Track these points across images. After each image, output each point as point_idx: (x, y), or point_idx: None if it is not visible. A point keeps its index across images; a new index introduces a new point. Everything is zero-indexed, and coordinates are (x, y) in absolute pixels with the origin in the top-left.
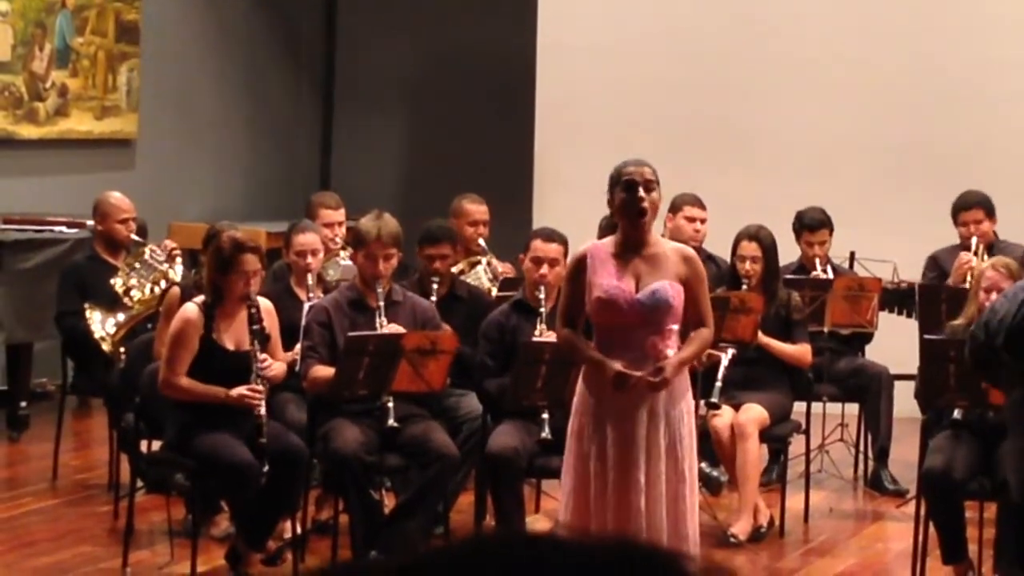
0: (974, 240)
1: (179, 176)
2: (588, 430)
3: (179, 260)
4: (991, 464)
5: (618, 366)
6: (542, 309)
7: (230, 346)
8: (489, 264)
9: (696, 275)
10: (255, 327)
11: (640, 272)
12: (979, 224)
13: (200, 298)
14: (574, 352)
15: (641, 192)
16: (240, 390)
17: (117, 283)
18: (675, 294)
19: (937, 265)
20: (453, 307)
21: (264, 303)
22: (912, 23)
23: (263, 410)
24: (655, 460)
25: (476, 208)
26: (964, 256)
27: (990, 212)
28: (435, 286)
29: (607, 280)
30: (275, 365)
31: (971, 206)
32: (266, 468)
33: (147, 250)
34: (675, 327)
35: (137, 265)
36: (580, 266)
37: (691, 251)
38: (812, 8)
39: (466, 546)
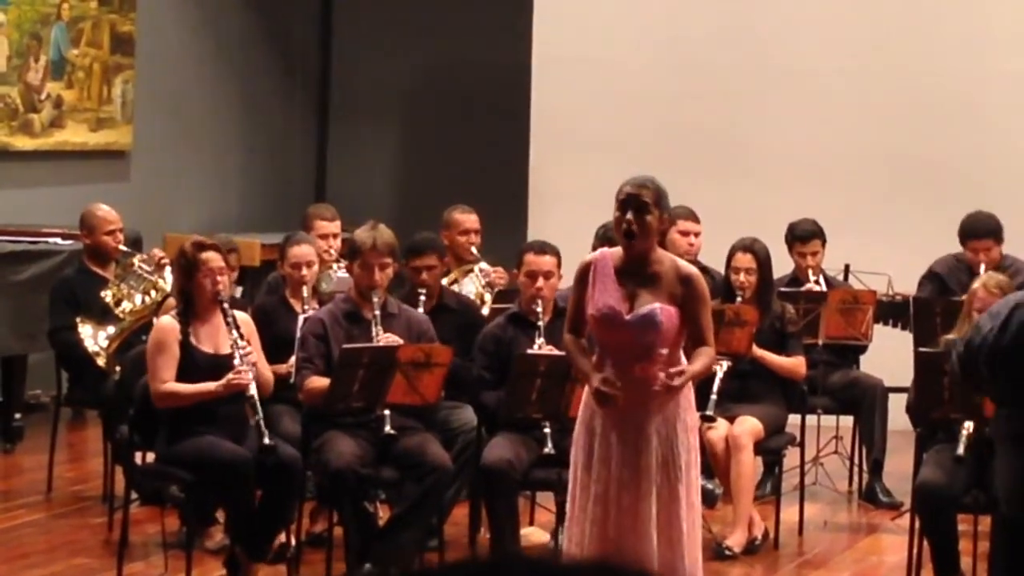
0: (982, 268)
1: (174, 188)
2: (583, 442)
3: (168, 269)
4: (985, 478)
5: (596, 382)
6: (540, 323)
7: (209, 351)
8: (482, 270)
9: (695, 295)
10: (229, 320)
11: (637, 292)
12: (989, 251)
13: (174, 310)
14: (570, 360)
15: (630, 215)
16: (228, 376)
17: (107, 295)
18: (665, 318)
19: (937, 278)
20: (443, 318)
21: (241, 315)
22: (907, 35)
23: (253, 389)
24: (644, 479)
25: (466, 217)
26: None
27: (999, 238)
28: (422, 298)
29: (602, 298)
30: (259, 360)
31: (983, 235)
32: (267, 440)
33: (136, 260)
34: (665, 351)
35: (127, 276)
36: (585, 275)
37: (693, 271)
38: (806, 20)
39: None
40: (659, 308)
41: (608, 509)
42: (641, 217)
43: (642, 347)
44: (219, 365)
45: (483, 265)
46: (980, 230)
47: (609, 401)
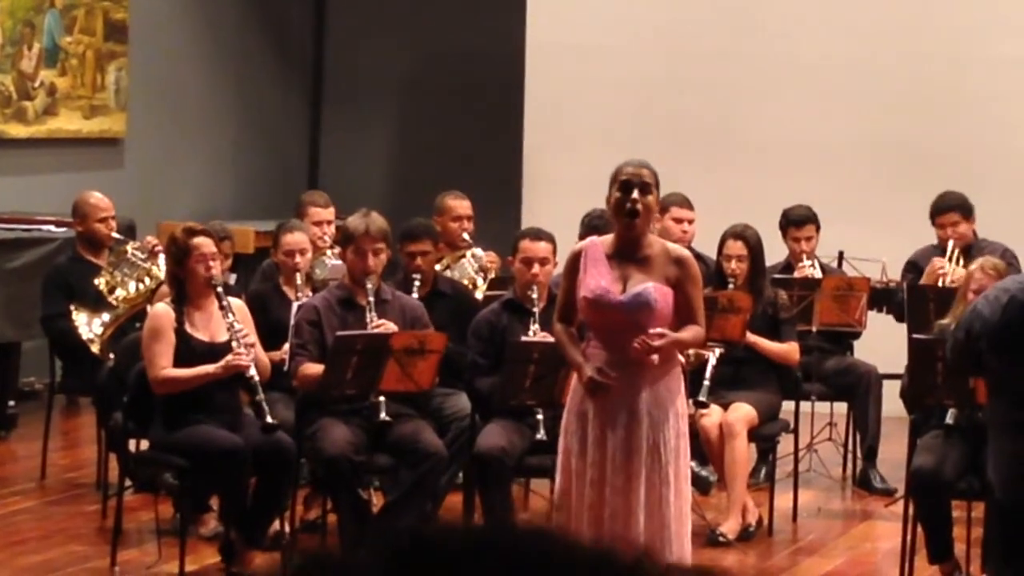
0: (950, 244)
1: (168, 175)
2: (574, 428)
3: (162, 257)
4: (979, 464)
5: (590, 371)
6: (535, 309)
7: (204, 338)
8: (474, 256)
9: (688, 277)
10: (224, 304)
11: (630, 273)
12: (956, 226)
13: (168, 297)
14: (561, 349)
15: (635, 194)
16: (227, 358)
17: (101, 282)
18: (659, 297)
19: (915, 267)
20: (437, 304)
21: (236, 302)
22: (900, 22)
23: (253, 371)
24: (635, 461)
25: (459, 204)
26: (937, 261)
27: (967, 214)
28: (416, 283)
29: (595, 280)
30: (255, 342)
31: (947, 209)
32: (269, 419)
33: (129, 248)
34: (660, 331)
35: (120, 263)
36: (575, 263)
37: (685, 253)
38: (801, 7)
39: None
40: (652, 287)
41: (603, 492)
42: (644, 197)
43: (635, 328)
44: (215, 352)
45: (476, 251)
46: (945, 205)
47: (601, 390)
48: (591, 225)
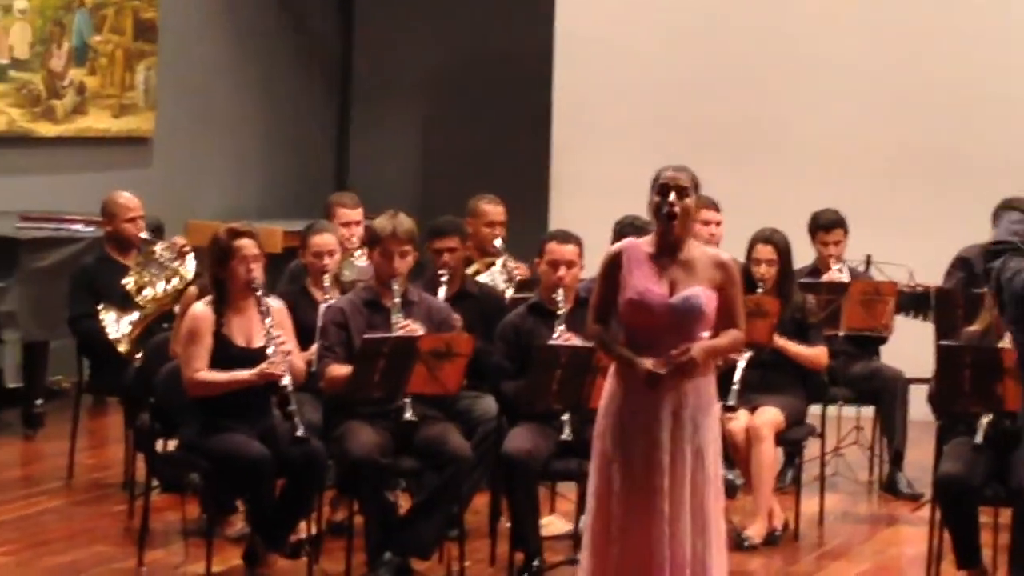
0: None
1: (196, 174)
2: (613, 432)
3: (190, 257)
4: (1006, 470)
5: (649, 364)
6: (560, 312)
7: (241, 342)
8: (504, 265)
9: (730, 281)
10: (263, 309)
11: (675, 276)
12: None
13: (208, 298)
14: (604, 350)
15: (672, 197)
16: (262, 365)
17: (129, 282)
18: (708, 301)
19: (967, 265)
20: (464, 304)
21: (275, 303)
22: (932, 24)
23: (287, 380)
24: (680, 465)
25: (493, 209)
26: None
27: None
28: (443, 280)
29: (641, 282)
30: (292, 350)
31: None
32: (300, 432)
33: (157, 248)
34: (706, 335)
35: (148, 264)
36: (615, 263)
37: (726, 257)
38: (831, 9)
39: None
40: (702, 290)
41: (651, 497)
42: (681, 200)
43: (683, 332)
44: (251, 357)
45: (508, 261)
46: (1018, 204)
47: (659, 382)
48: (622, 232)
